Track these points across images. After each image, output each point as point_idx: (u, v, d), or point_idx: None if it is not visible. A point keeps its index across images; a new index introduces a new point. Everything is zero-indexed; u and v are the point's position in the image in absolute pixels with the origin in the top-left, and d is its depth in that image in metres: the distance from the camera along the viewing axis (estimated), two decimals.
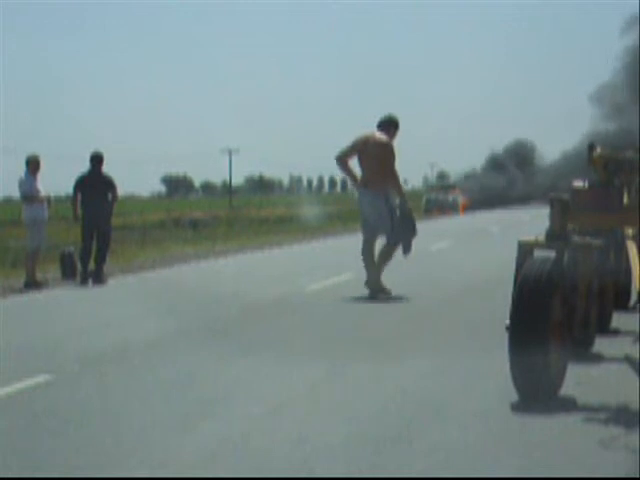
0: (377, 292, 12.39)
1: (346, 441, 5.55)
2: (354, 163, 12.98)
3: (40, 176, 15.54)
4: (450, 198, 55.79)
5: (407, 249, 12.69)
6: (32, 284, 14.97)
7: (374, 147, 12.73)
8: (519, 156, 67.29)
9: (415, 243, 12.90)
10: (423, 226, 13.14)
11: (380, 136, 12.81)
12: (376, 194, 12.64)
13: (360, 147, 12.79)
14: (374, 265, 12.59)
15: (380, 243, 12.82)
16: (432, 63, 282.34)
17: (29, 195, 15.33)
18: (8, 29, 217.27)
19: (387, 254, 12.65)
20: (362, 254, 12.73)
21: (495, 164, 68.14)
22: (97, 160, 15.84)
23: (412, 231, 12.66)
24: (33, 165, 15.49)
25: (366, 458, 5.21)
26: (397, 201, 12.78)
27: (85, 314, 12.03)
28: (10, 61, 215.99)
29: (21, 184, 15.40)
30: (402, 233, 12.57)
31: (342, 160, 12.92)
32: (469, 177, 69.06)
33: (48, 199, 15.66)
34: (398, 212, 12.63)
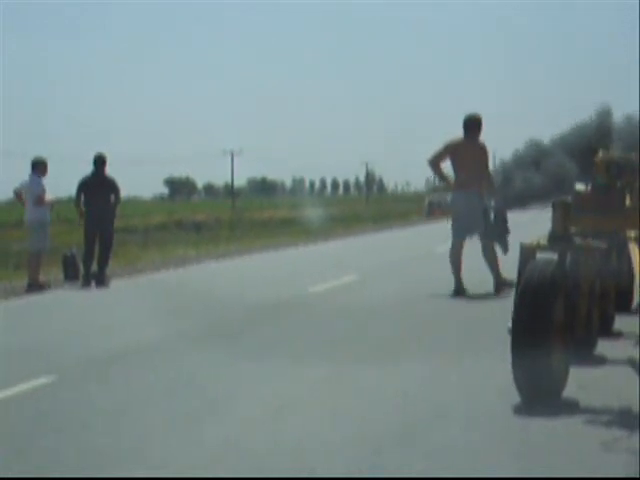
0: (502, 285, 12.42)
1: (346, 441, 5.55)
2: (446, 166, 13.06)
3: (46, 179, 15.61)
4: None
5: (505, 248, 12.75)
6: (35, 286, 14.98)
7: (468, 149, 12.82)
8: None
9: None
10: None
11: (472, 138, 12.88)
12: (470, 194, 12.70)
13: (452, 150, 12.87)
14: (460, 270, 12.67)
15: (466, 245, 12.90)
16: (433, 64, 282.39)
17: (38, 197, 15.32)
18: (8, 29, 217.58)
19: (491, 251, 12.71)
20: (450, 257, 12.76)
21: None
22: (100, 162, 15.87)
23: (507, 230, 12.75)
24: (41, 168, 15.52)
25: (366, 458, 5.21)
26: (492, 202, 12.85)
27: (88, 316, 12.05)
28: (10, 61, 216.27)
29: (32, 185, 15.36)
30: (498, 233, 12.67)
31: (434, 163, 12.99)
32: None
33: (52, 202, 15.69)
34: (492, 213, 12.70)
